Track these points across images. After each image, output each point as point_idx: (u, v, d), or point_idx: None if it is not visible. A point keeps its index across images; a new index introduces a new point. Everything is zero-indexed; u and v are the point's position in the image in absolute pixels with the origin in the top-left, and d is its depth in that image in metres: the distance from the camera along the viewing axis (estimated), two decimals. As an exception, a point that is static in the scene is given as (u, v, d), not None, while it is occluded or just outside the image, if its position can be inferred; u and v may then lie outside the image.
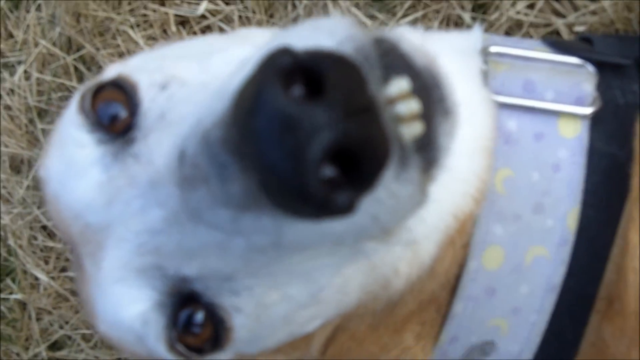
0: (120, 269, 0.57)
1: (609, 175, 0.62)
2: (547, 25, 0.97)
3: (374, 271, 0.60)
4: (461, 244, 0.63)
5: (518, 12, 0.97)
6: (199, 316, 0.57)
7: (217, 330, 0.57)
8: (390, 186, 0.43)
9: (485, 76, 0.64)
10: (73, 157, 0.59)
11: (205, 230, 0.50)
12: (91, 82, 0.61)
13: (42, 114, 1.13)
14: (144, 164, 0.54)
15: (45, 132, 1.12)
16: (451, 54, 0.67)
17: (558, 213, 0.62)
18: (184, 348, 0.58)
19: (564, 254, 0.62)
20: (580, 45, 0.69)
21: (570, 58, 0.65)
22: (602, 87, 0.64)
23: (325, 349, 0.66)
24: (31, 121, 1.13)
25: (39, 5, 1.13)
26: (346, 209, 0.39)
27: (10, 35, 1.16)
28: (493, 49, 0.66)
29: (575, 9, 0.95)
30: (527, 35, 0.97)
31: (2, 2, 1.15)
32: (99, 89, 0.59)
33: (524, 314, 0.63)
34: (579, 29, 0.94)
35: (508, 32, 0.99)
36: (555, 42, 0.69)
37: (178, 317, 0.57)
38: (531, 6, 0.97)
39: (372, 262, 0.59)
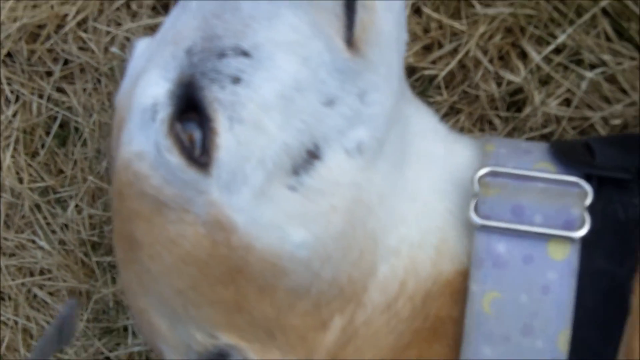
0: (145, 72, 0.63)
1: (606, 294, 0.62)
2: (584, 119, 0.97)
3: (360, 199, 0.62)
4: (449, 306, 0.65)
5: (551, 108, 0.98)
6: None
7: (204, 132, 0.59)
8: None
9: (475, 199, 0.65)
10: None
11: None
12: None
13: (95, 247, 1.17)
14: None
15: (100, 265, 1.15)
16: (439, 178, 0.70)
17: (548, 334, 0.62)
18: (181, 127, 0.59)
19: None
20: (582, 156, 0.68)
21: (565, 176, 0.65)
22: (602, 202, 0.64)
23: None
24: (86, 254, 1.17)
25: (85, 141, 1.17)
26: None
27: (61, 171, 1.20)
28: (484, 170, 0.67)
29: (608, 101, 0.96)
30: (564, 131, 0.98)
31: (50, 139, 1.20)
32: None
33: None
34: (615, 122, 0.95)
35: (544, 125, 1.00)
36: (557, 149, 0.69)
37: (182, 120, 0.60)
38: (567, 102, 0.98)
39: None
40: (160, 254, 0.62)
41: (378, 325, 0.66)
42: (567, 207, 0.63)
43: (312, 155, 0.59)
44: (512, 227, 0.63)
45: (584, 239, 0.63)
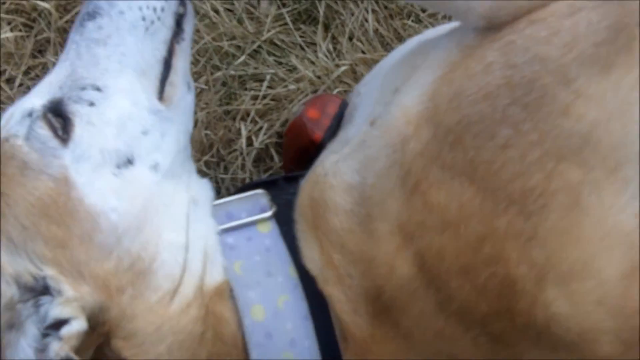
0: None
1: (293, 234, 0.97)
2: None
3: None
4: (221, 312, 0.93)
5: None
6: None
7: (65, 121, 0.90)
8: None
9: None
10: None
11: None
12: None
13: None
14: None
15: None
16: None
17: (282, 271, 0.94)
18: (52, 116, 0.91)
19: (300, 293, 0.92)
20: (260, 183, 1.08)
21: (249, 191, 1.03)
22: (272, 198, 1.02)
23: None
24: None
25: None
26: None
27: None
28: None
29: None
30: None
31: None
32: None
33: (299, 342, 0.91)
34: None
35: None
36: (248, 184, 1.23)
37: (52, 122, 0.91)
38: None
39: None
40: (17, 201, 0.87)
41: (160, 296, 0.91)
42: (257, 201, 1.01)
43: (129, 161, 0.92)
44: (230, 225, 0.99)
45: (276, 216, 0.99)
